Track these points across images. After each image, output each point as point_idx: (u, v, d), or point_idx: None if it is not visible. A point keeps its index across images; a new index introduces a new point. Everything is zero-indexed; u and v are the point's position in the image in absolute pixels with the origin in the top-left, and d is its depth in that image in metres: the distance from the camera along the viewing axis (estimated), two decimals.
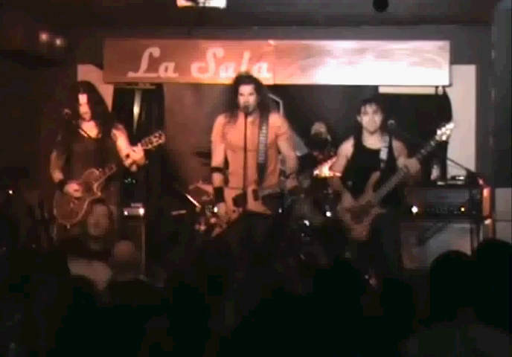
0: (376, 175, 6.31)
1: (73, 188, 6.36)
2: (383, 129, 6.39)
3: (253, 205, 6.07)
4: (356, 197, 6.37)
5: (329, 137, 7.79)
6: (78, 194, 6.34)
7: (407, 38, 7.94)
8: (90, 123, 6.48)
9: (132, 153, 6.26)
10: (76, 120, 6.43)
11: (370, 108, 6.34)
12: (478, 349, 3.14)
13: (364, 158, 6.41)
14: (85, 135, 6.40)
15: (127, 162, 6.31)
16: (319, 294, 3.56)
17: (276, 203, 6.20)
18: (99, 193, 6.33)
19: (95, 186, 6.32)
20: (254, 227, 6.01)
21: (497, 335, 3.20)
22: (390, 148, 6.37)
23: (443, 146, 7.22)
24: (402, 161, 6.33)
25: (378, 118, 6.34)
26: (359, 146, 6.45)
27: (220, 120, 6.33)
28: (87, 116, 6.44)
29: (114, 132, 6.47)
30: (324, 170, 6.49)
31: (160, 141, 6.27)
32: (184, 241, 7.66)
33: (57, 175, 6.51)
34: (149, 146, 6.28)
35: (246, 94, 6.12)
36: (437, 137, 6.16)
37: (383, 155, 6.36)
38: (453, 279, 3.28)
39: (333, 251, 6.73)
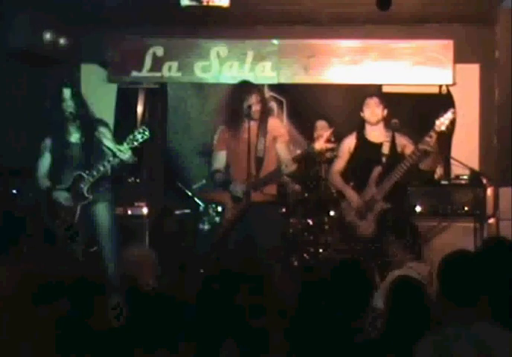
0: (378, 170, 6.29)
1: (63, 196, 6.06)
2: (386, 124, 6.40)
3: (253, 196, 6.10)
4: (358, 193, 6.36)
5: (332, 137, 7.77)
6: (69, 202, 6.05)
7: (411, 37, 7.94)
8: (74, 125, 6.12)
9: (118, 152, 5.92)
10: (67, 123, 6.07)
11: (371, 101, 6.37)
12: (486, 347, 3.14)
13: (366, 151, 6.40)
14: (71, 139, 6.11)
15: (114, 162, 5.98)
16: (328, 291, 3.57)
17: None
18: (90, 197, 6.04)
19: (85, 190, 6.02)
20: (255, 216, 6.04)
21: (505, 333, 3.20)
22: (393, 143, 6.37)
23: (447, 141, 7.21)
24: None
25: (380, 111, 6.37)
26: (361, 138, 6.45)
27: (222, 128, 6.33)
28: (72, 117, 6.05)
29: (99, 131, 6.12)
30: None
31: (145, 137, 5.93)
32: (188, 240, 7.66)
33: (44, 182, 6.17)
34: (135, 144, 5.93)
35: (255, 103, 6.12)
36: (436, 128, 6.10)
37: (385, 149, 6.35)
38: (465, 278, 3.27)
39: None
